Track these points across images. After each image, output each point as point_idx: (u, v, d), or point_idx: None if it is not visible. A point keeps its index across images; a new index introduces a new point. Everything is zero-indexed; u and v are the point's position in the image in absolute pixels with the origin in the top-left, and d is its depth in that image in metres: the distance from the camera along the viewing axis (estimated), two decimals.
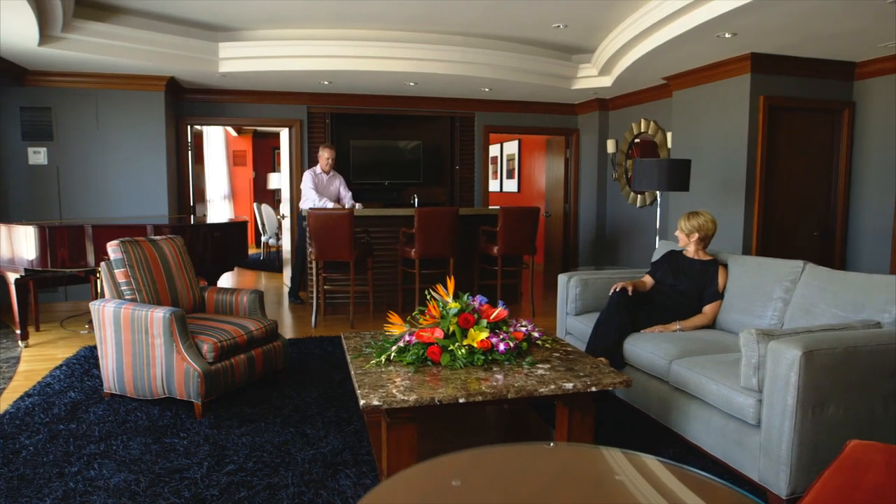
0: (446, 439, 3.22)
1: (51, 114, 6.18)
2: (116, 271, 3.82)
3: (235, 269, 10.06)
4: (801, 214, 5.67)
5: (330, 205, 6.34)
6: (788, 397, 2.49)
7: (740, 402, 2.74)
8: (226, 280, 9.04)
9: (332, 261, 5.81)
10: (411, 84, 6.84)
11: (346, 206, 6.44)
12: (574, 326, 4.25)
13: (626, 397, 3.65)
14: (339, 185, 6.78)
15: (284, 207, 7.90)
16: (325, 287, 6.15)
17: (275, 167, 12.43)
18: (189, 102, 7.12)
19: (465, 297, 3.12)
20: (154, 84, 6.32)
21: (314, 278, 6.00)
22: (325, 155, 6.58)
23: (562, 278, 4.41)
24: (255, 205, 10.98)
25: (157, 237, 4.17)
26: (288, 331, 5.83)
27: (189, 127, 7.20)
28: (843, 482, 1.91)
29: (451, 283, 3.21)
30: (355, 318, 5.91)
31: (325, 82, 6.77)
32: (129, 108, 6.36)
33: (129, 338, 3.63)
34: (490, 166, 11.15)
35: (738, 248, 5.48)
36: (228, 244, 5.40)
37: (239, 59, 6.00)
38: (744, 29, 4.54)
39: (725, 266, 3.86)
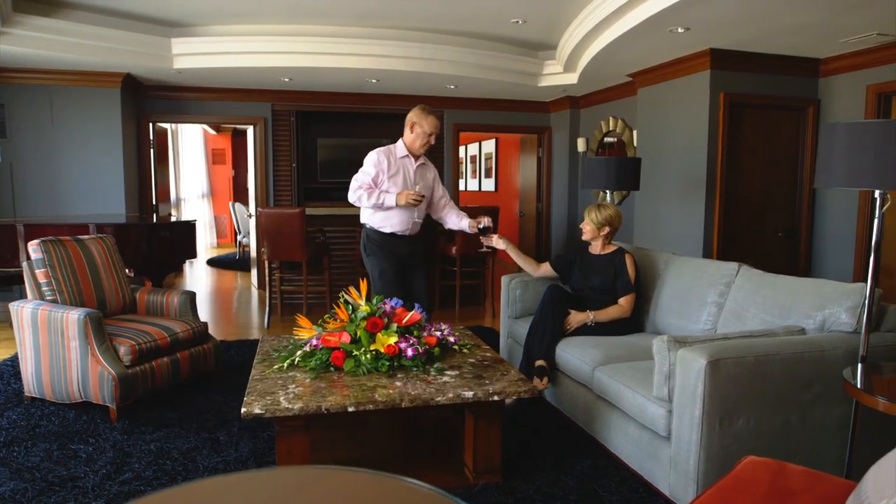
0: (363, 447, 3.09)
1: (3, 111, 6.08)
2: (37, 271, 3.71)
3: (211, 268, 9.98)
4: (765, 215, 5.51)
5: (388, 202, 3.73)
6: (695, 408, 2.37)
7: (652, 413, 2.61)
8: (202, 280, 8.93)
9: (285, 261, 5.70)
10: (373, 81, 6.71)
11: (457, 226, 4.02)
12: (515, 330, 4.12)
13: (558, 404, 3.53)
14: (433, 180, 4.07)
15: (251, 206, 7.79)
16: (283, 287, 6.04)
17: None
18: (151, 99, 7.02)
19: (377, 300, 3.00)
20: (109, 80, 6.21)
21: (268, 278, 5.90)
22: (424, 126, 3.81)
23: (504, 280, 4.28)
24: (230, 204, 10.89)
25: (85, 237, 4.06)
26: (243, 331, 5.72)
27: (151, 124, 7.09)
28: (719, 503, 1.78)
29: (363, 285, 3.09)
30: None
31: (286, 79, 6.65)
32: (84, 104, 6.25)
33: (47, 340, 3.52)
34: (469, 165, 11.03)
35: (698, 249, 5.33)
36: (176, 244, 5.28)
37: (193, 56, 5.88)
38: (695, 23, 4.40)
39: (632, 255, 3.75)
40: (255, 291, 7.76)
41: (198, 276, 9.23)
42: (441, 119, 3.88)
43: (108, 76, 6.18)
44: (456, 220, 4.04)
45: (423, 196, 3.81)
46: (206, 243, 11.83)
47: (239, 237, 10.36)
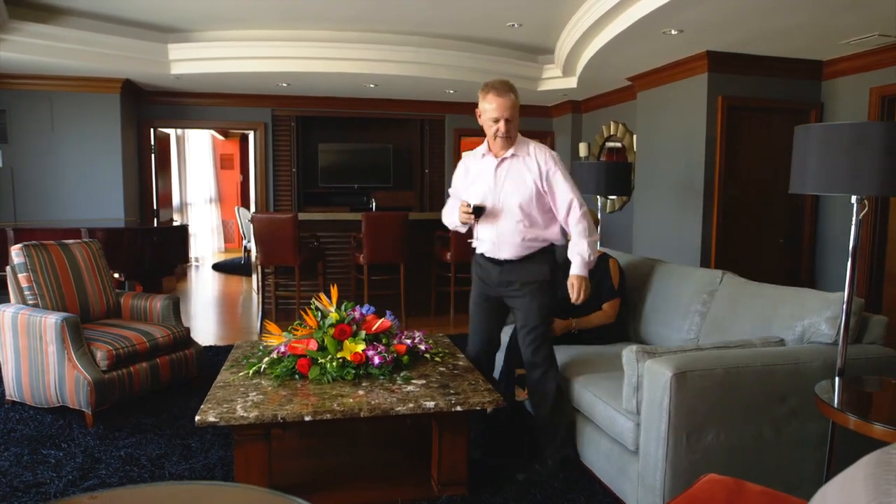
0: (338, 456, 3.04)
1: (5, 116, 6.15)
2: (19, 275, 3.72)
3: (216, 272, 10.01)
4: (766, 221, 5.37)
5: (447, 220, 3.15)
6: (661, 422, 2.28)
7: (621, 426, 2.53)
8: (205, 285, 8.95)
9: (279, 265, 5.69)
10: (371, 86, 6.69)
11: (586, 247, 2.79)
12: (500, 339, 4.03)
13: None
14: (534, 182, 2.83)
15: (252, 211, 7.82)
16: (278, 292, 6.03)
17: None
18: (151, 105, 7.07)
19: (346, 307, 2.95)
20: (108, 86, 6.26)
21: (261, 283, 5.89)
22: (486, 109, 2.76)
23: None
24: (236, 208, 10.93)
25: (70, 241, 4.06)
26: (235, 335, 5.71)
27: (152, 130, 7.14)
28: None
29: (334, 292, 3.05)
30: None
31: (284, 84, 6.66)
32: (84, 110, 6.31)
33: (26, 344, 3.52)
34: None
35: (695, 257, 5.21)
36: (166, 248, 5.29)
37: (190, 61, 5.91)
38: (688, 24, 4.30)
39: (616, 260, 3.65)
40: (254, 296, 7.76)
41: (202, 281, 9.26)
42: (514, 94, 2.77)
43: (108, 82, 6.23)
44: (571, 247, 2.85)
45: (481, 207, 2.82)
46: (213, 248, 11.88)
47: (244, 242, 10.39)
